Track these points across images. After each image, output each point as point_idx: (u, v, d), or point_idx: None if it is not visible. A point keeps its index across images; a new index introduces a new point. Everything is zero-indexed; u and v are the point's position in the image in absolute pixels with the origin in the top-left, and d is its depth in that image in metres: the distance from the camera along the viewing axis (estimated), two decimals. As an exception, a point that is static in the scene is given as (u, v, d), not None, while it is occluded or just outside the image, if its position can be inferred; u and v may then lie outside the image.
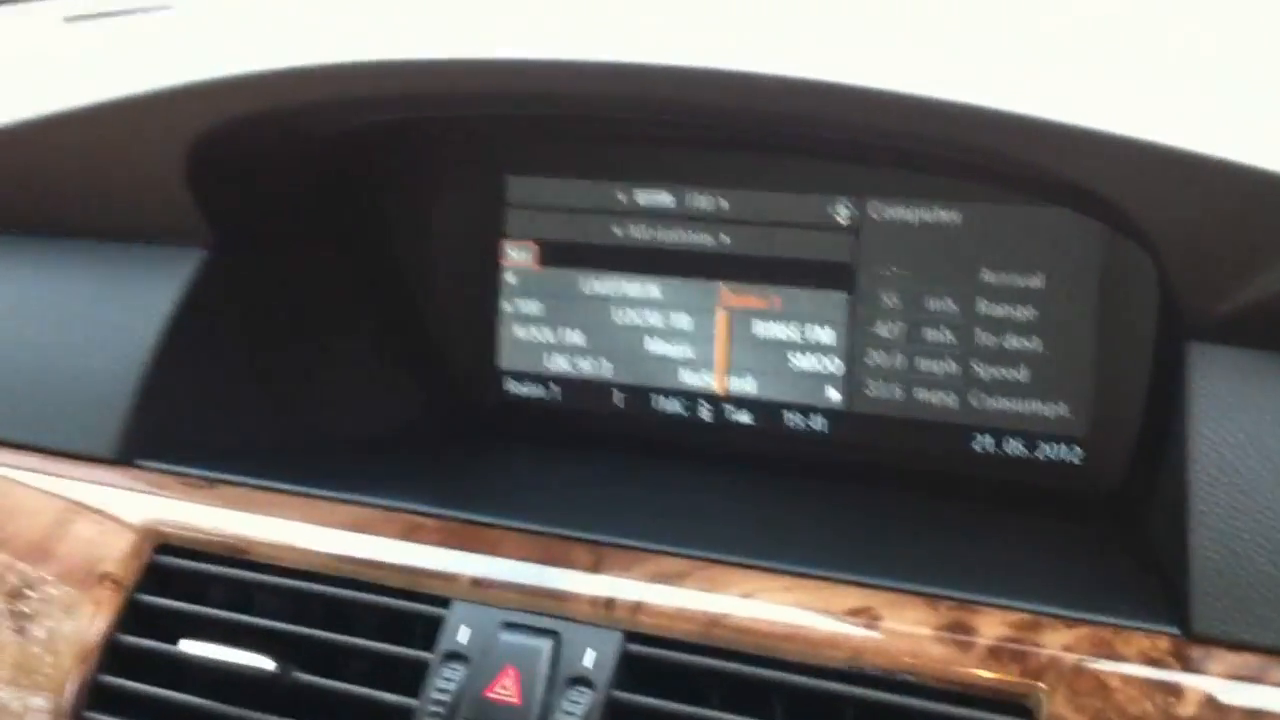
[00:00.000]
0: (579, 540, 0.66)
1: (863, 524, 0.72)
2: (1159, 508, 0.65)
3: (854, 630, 0.57)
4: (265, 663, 0.65)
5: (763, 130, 0.72)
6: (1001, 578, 0.60)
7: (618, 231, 0.85)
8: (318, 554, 0.67)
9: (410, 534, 0.68)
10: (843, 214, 0.79)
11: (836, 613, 0.58)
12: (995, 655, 0.55)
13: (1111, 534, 0.69)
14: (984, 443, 0.77)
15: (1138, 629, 0.55)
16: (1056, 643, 0.55)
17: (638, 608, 0.61)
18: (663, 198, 0.83)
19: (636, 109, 0.70)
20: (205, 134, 0.73)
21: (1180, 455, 0.58)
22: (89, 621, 0.69)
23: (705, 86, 0.63)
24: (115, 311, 0.78)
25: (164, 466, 0.74)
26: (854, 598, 0.59)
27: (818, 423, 0.81)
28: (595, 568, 0.63)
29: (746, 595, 0.60)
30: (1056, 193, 0.68)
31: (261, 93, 0.72)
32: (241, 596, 0.68)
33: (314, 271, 0.85)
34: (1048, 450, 0.76)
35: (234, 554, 0.68)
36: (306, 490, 0.72)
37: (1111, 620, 0.56)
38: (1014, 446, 0.77)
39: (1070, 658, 0.54)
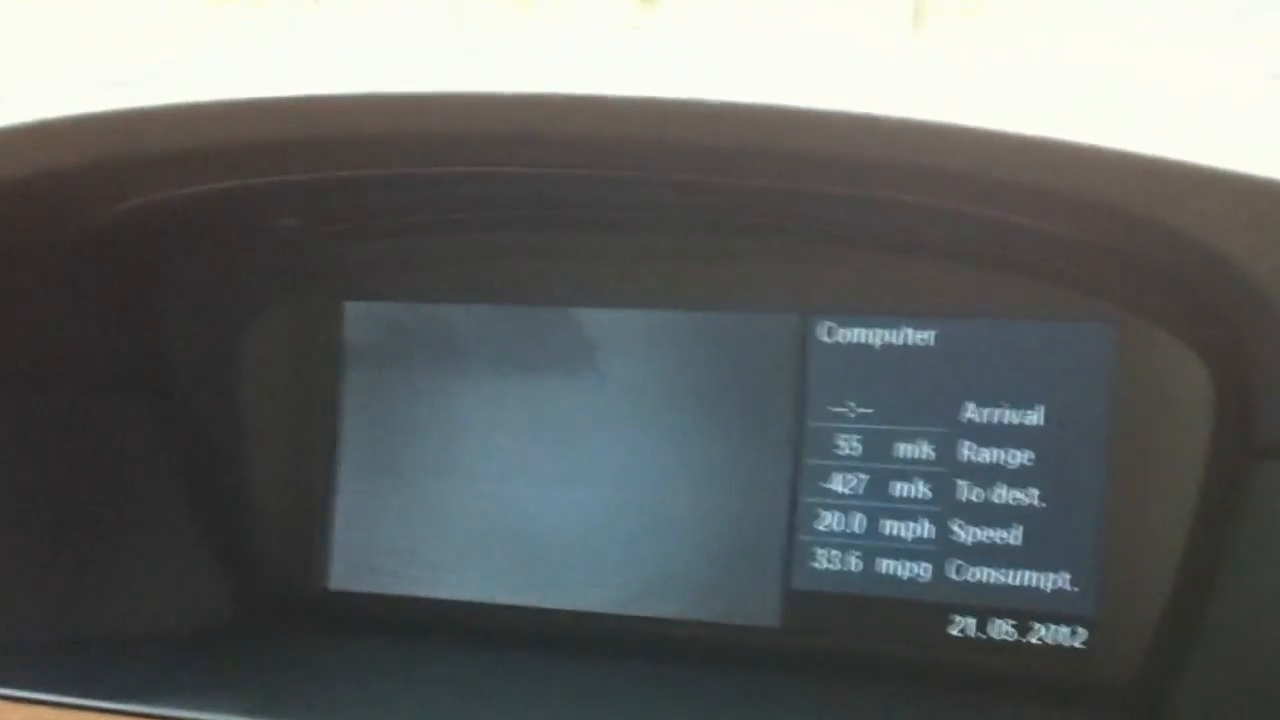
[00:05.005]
0: None
1: None
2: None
3: None
4: None
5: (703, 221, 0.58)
6: None
7: (492, 374, 0.68)
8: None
9: (230, 762, 0.49)
10: (781, 335, 0.64)
11: None
12: None
13: None
14: (964, 625, 0.62)
15: None
16: None
17: None
18: (559, 322, 0.67)
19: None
20: None
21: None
22: None
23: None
24: None
25: None
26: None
27: (756, 605, 0.65)
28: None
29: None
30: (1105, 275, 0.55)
31: None
32: None
33: (90, 418, 0.68)
34: (1043, 633, 0.61)
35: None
36: (74, 700, 0.55)
37: None
38: (1001, 629, 0.62)
39: None
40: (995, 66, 0.55)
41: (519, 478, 0.68)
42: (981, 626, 0.62)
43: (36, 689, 0.55)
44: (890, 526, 0.63)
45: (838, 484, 0.63)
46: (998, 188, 0.48)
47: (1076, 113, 0.48)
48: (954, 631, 0.62)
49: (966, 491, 0.62)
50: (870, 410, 0.63)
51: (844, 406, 0.63)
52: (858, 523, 0.63)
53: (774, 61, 0.53)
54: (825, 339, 0.64)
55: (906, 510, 0.63)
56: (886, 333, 0.63)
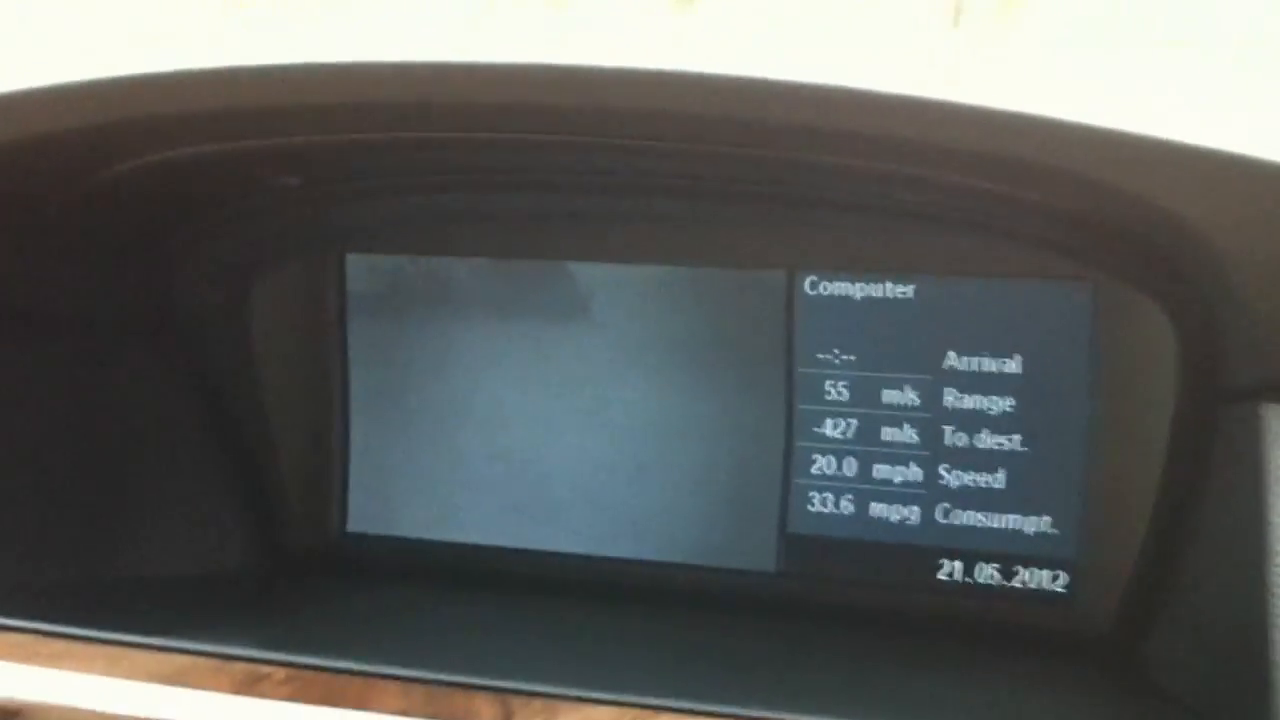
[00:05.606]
0: (478, 688, 0.50)
1: (822, 665, 0.59)
2: (1172, 662, 0.54)
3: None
4: None
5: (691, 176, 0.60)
6: None
7: (492, 324, 0.71)
8: (123, 718, 0.51)
9: (250, 687, 0.52)
10: (769, 289, 0.66)
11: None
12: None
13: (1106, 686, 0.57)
14: (952, 569, 0.64)
15: None
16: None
17: (568, 773, 0.46)
18: (557, 276, 0.70)
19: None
20: None
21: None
22: None
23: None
24: None
25: None
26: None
27: (753, 549, 0.67)
28: (506, 721, 0.48)
29: (717, 750, 0.45)
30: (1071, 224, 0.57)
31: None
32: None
33: (113, 368, 0.70)
34: (1026, 577, 0.63)
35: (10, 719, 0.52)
36: (108, 635, 0.56)
37: None
38: (987, 573, 0.64)
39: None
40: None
41: (521, 425, 0.70)
42: (969, 570, 0.64)
43: (63, 626, 0.56)
44: (881, 470, 0.65)
45: (829, 428, 0.66)
46: (979, 159, 0.50)
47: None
48: (943, 575, 0.65)
49: (952, 436, 0.64)
50: (854, 358, 0.65)
51: (829, 354, 0.65)
52: (849, 466, 0.65)
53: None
54: (810, 291, 0.66)
55: (896, 454, 0.65)
56: (868, 287, 0.65)
